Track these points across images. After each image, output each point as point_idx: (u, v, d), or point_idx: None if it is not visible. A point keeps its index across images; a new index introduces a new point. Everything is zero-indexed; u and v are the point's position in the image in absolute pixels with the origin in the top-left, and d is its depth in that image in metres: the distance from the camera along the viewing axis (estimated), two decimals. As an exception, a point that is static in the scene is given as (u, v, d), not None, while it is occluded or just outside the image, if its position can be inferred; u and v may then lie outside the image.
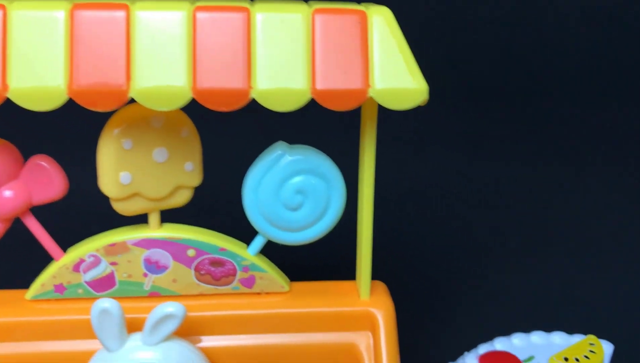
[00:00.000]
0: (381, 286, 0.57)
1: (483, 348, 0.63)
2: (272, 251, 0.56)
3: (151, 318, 0.48)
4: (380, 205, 0.59)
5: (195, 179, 0.52)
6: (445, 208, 0.89)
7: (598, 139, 1.05)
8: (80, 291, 0.53)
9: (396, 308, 0.55)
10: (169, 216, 0.53)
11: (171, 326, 0.49)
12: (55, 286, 0.53)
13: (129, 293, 0.53)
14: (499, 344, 0.64)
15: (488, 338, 0.64)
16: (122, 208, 0.51)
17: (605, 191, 0.94)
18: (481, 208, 0.90)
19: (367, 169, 0.51)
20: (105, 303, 0.47)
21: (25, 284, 0.54)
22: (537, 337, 0.65)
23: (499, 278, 0.77)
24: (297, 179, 0.51)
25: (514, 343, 0.64)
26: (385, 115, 0.53)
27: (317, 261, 0.64)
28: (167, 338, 0.50)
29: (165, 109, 0.44)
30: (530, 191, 0.94)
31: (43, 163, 0.50)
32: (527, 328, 0.63)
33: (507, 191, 0.94)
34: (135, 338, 0.49)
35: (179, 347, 0.50)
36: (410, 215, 0.87)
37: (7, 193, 0.50)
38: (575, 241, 0.84)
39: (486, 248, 0.82)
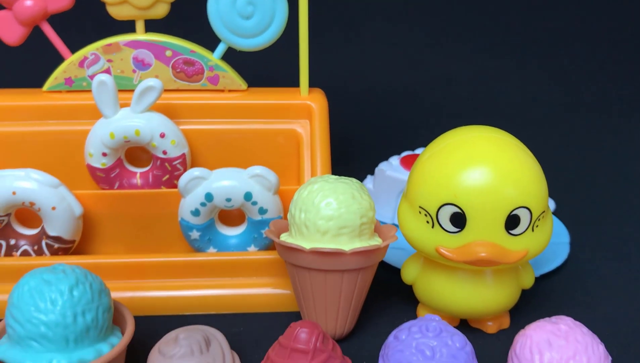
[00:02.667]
0: (319, 90, 0.73)
1: (406, 153, 0.79)
2: (234, 63, 0.71)
3: (137, 90, 0.64)
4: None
5: (172, -6, 0.67)
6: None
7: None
8: (84, 84, 0.69)
9: (340, 117, 0.71)
10: (152, 28, 0.69)
11: (152, 97, 0.65)
12: (66, 79, 0.69)
13: (121, 86, 0.69)
14: (419, 150, 0.80)
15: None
16: (116, 12, 0.67)
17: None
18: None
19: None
20: (102, 76, 0.63)
21: (43, 83, 0.70)
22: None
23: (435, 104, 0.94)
24: (248, -8, 0.66)
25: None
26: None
27: (271, 76, 0.80)
28: (150, 110, 0.66)
29: None
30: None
31: (55, -22, 0.66)
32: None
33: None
34: (126, 110, 0.66)
35: (159, 116, 0.66)
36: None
37: (28, 2, 0.66)
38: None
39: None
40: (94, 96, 0.64)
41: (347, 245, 0.55)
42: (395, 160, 0.78)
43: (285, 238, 0.58)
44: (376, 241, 0.57)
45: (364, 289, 0.58)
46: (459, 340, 0.50)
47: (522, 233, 0.54)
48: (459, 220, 0.53)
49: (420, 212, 0.55)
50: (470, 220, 0.53)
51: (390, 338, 0.52)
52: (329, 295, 0.56)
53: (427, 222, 0.55)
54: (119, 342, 0.50)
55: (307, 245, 0.55)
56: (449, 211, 0.53)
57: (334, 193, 0.56)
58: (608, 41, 1.16)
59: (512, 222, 0.53)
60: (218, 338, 0.53)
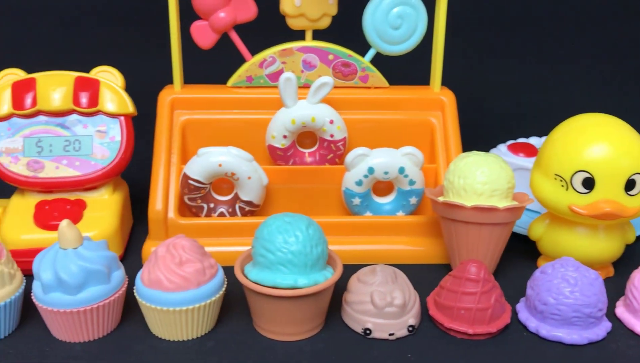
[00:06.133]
0: (448, 89, 0.89)
1: (510, 141, 0.95)
2: (379, 65, 0.87)
3: (314, 85, 0.80)
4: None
5: (334, 9, 0.84)
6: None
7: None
8: (262, 81, 0.85)
9: (461, 110, 0.87)
10: (318, 37, 0.85)
11: (325, 91, 0.81)
12: (247, 77, 0.85)
13: (291, 83, 0.85)
14: (521, 140, 0.96)
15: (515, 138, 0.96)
16: (293, 23, 0.83)
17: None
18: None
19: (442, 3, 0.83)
20: (288, 74, 0.80)
21: (225, 80, 0.86)
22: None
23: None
24: (399, 8, 0.83)
25: (531, 141, 0.96)
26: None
27: (408, 76, 0.95)
28: (322, 102, 0.82)
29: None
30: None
31: (245, -6, 0.82)
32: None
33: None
34: (303, 101, 0.82)
35: (327, 107, 0.82)
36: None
37: (222, 14, 0.82)
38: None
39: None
40: (280, 89, 0.80)
41: (499, 203, 0.71)
42: (503, 147, 0.94)
43: (443, 200, 0.73)
44: (517, 203, 0.73)
45: (505, 241, 0.74)
46: (594, 273, 0.66)
47: (637, 194, 0.69)
48: (589, 183, 0.69)
49: (555, 178, 0.71)
50: (598, 183, 0.69)
51: (537, 273, 0.68)
52: (480, 244, 0.72)
53: (562, 186, 0.70)
54: (337, 270, 0.66)
55: (467, 203, 0.71)
56: (581, 176, 0.69)
57: (486, 164, 0.72)
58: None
59: (630, 185, 0.69)
60: (401, 274, 0.69)
